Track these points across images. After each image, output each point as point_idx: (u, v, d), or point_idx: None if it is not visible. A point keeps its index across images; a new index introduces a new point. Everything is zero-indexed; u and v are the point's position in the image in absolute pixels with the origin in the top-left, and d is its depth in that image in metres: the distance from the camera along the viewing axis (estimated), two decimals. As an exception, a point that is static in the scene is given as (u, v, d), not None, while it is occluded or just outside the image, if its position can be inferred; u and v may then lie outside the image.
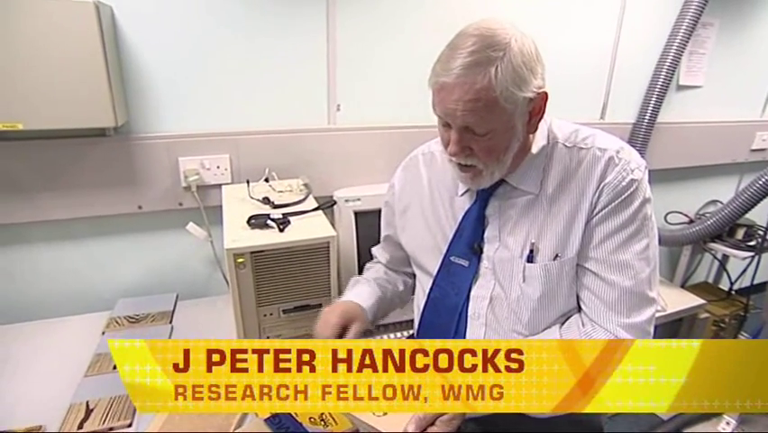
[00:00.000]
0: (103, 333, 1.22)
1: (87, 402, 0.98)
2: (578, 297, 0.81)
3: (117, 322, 1.26)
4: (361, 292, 0.97)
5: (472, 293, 0.84)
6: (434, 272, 0.89)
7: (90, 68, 1.05)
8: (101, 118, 1.10)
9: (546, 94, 0.73)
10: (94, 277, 1.36)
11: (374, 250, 1.12)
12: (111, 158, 1.24)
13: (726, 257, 2.28)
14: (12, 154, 1.15)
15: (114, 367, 1.09)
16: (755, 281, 2.19)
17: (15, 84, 1.00)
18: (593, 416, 0.92)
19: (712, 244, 2.12)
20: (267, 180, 1.27)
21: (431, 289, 0.90)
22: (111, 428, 0.93)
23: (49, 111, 1.04)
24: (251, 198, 1.15)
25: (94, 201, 1.26)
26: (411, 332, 1.11)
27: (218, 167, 1.33)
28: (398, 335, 1.25)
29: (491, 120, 0.69)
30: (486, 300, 0.82)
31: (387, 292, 1.00)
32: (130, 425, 0.94)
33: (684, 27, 1.80)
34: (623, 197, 0.74)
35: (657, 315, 1.68)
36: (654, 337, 0.78)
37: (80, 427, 0.92)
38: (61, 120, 1.06)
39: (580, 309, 0.81)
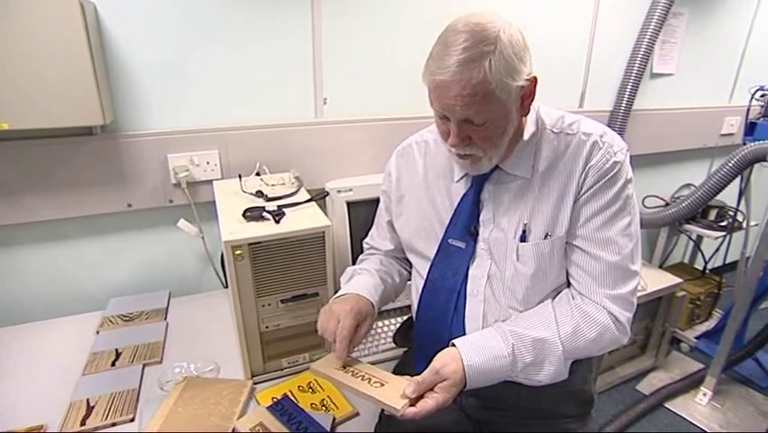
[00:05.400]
0: (97, 332, 1.22)
1: (88, 400, 0.98)
2: (567, 272, 0.85)
3: (111, 321, 1.26)
4: (366, 284, 0.95)
5: (470, 273, 0.87)
6: (432, 256, 0.91)
7: (76, 65, 1.04)
8: (88, 117, 1.09)
9: (536, 78, 0.76)
10: (84, 277, 1.35)
11: (371, 241, 1.12)
12: (99, 156, 1.23)
13: (700, 237, 2.39)
14: (-3, 155, 1.13)
15: (113, 364, 1.09)
16: (727, 260, 2.30)
17: (0, 83, 0.99)
18: (586, 388, 0.96)
19: (687, 226, 2.22)
20: (258, 174, 1.28)
21: (429, 271, 0.92)
22: (114, 424, 0.93)
23: (35, 110, 1.03)
24: (244, 191, 1.15)
25: (82, 201, 1.25)
26: (406, 317, 1.14)
27: (208, 163, 1.34)
28: (393, 321, 1.27)
29: (488, 110, 0.72)
30: (483, 279, 0.86)
31: (387, 284, 1.01)
32: (132, 419, 0.95)
33: (656, 17, 1.87)
34: (607, 177, 0.78)
35: (637, 294, 1.73)
36: (635, 315, 0.83)
37: (83, 424, 0.92)
38: (48, 119, 1.05)
39: (569, 284, 0.85)
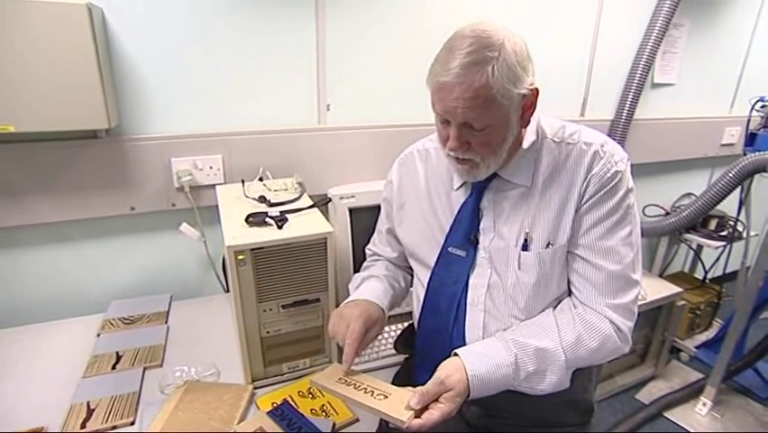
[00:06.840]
0: (98, 335, 1.22)
1: (88, 402, 0.98)
2: (569, 281, 0.85)
3: (112, 324, 1.26)
4: (375, 289, 0.97)
5: (470, 282, 0.87)
6: (432, 264, 0.91)
7: (83, 69, 1.05)
8: (94, 120, 1.10)
9: (537, 90, 0.77)
10: (86, 279, 1.36)
11: (373, 247, 1.12)
12: (103, 160, 1.23)
13: (700, 247, 2.39)
14: (3, 157, 1.14)
15: (113, 367, 1.09)
16: (728, 270, 2.30)
17: (7, 86, 1.00)
18: (586, 397, 0.96)
19: (687, 235, 2.22)
20: (261, 180, 1.28)
21: (430, 279, 0.92)
22: (114, 427, 0.93)
23: (41, 113, 1.04)
24: (247, 196, 1.16)
25: (86, 203, 1.26)
26: (407, 324, 1.14)
27: (211, 167, 1.34)
28: (395, 327, 1.28)
29: (489, 116, 0.73)
30: (484, 288, 0.86)
31: (395, 289, 1.02)
32: (133, 423, 0.95)
33: (657, 27, 1.89)
34: (608, 187, 0.79)
35: (638, 303, 1.73)
36: (636, 324, 0.83)
37: (83, 426, 0.92)
38: (53, 122, 1.06)
39: (570, 293, 0.86)
